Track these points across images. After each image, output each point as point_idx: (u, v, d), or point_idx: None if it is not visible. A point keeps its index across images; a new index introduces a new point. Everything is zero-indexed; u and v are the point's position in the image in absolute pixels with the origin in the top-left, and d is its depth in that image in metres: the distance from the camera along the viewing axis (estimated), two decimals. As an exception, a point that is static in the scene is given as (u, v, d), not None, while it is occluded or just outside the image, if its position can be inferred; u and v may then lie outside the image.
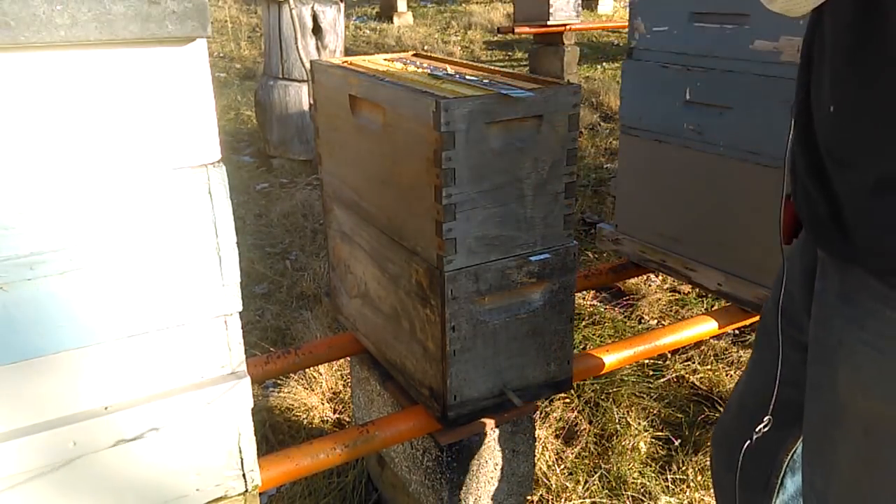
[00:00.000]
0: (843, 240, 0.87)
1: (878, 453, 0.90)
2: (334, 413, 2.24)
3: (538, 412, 2.16)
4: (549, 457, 2.01)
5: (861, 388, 0.90)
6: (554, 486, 1.92)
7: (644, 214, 2.08)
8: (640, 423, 2.15)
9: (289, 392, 2.27)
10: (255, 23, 9.54)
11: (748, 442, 1.25)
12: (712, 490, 1.40)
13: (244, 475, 1.17)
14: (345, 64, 1.62)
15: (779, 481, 1.25)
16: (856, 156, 0.84)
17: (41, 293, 0.94)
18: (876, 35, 0.78)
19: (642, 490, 1.92)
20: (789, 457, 1.23)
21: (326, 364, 2.29)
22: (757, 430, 1.23)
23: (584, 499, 1.89)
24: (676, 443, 2.08)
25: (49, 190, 0.92)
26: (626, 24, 2.05)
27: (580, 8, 6.41)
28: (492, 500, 1.58)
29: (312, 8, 4.23)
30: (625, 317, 2.80)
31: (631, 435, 2.10)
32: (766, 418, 1.21)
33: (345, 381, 2.33)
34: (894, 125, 0.79)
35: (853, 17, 0.80)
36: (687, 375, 2.40)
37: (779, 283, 1.19)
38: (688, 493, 1.91)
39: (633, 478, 1.96)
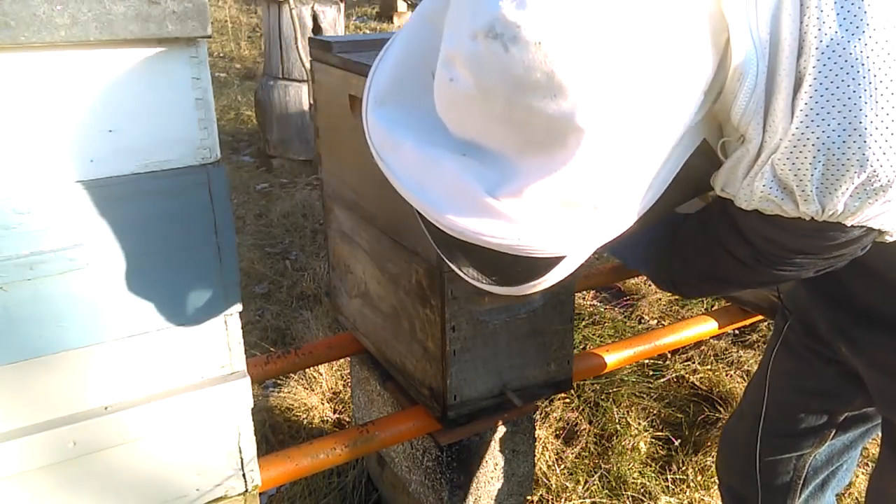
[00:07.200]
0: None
1: None
2: (334, 413, 2.24)
3: (538, 412, 2.16)
4: (549, 457, 2.01)
5: None
6: (554, 486, 1.92)
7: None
8: (640, 423, 2.15)
9: (289, 392, 2.27)
10: (255, 23, 9.54)
11: (771, 450, 1.28)
12: (719, 495, 1.40)
13: (244, 475, 1.17)
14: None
15: (801, 482, 1.27)
16: None
17: (41, 293, 0.94)
18: None
19: (642, 490, 1.92)
20: (812, 458, 1.26)
21: (326, 364, 2.29)
22: (777, 440, 1.26)
23: (584, 499, 1.89)
24: (676, 443, 2.08)
25: (49, 190, 0.92)
26: (626, 24, 2.04)
27: (580, 8, 6.40)
28: (492, 500, 1.58)
29: (312, 8, 4.23)
30: (625, 317, 2.80)
31: (631, 435, 2.10)
32: (786, 428, 1.24)
33: (345, 381, 2.33)
34: None
35: None
36: (687, 375, 2.40)
37: (794, 297, 1.21)
38: (688, 493, 1.91)
39: (633, 478, 1.96)
